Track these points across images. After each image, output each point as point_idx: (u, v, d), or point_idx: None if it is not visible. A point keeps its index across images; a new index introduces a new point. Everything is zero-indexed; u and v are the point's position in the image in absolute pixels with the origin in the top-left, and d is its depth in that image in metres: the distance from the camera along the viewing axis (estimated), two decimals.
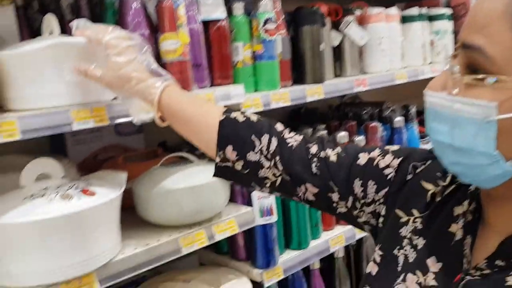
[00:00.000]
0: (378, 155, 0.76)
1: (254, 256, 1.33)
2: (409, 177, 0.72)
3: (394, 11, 1.71)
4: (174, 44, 1.07)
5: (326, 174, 0.77)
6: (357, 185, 0.76)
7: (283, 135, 0.82)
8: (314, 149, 0.80)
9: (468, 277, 0.59)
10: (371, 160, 0.76)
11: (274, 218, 1.28)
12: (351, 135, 1.60)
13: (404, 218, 0.70)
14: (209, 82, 1.21)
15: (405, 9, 1.84)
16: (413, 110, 1.84)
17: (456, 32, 2.00)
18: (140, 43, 0.93)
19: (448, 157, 0.58)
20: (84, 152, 1.42)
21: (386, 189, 0.74)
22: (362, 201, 0.76)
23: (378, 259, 0.71)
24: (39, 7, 1.19)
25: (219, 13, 1.19)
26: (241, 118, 0.83)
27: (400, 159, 0.74)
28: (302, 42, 1.40)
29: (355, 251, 1.71)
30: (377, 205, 0.75)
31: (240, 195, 1.33)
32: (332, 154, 0.78)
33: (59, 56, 0.92)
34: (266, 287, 1.35)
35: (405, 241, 0.68)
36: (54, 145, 1.42)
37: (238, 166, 0.82)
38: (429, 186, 0.69)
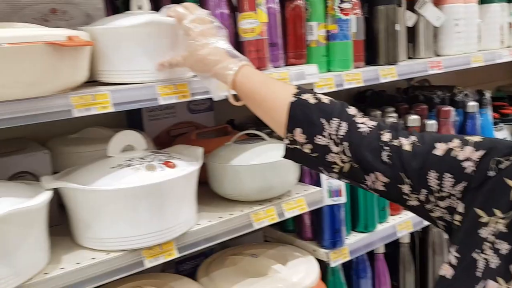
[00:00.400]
0: (457, 146, 0.71)
1: (321, 236, 1.34)
2: (491, 173, 0.67)
3: None
4: (253, 23, 1.09)
5: (397, 163, 0.73)
6: (432, 177, 0.71)
7: (354, 120, 0.80)
8: (386, 136, 0.76)
9: None
10: (449, 150, 0.71)
11: (342, 199, 1.29)
12: (422, 119, 1.56)
13: (485, 218, 0.65)
14: (283, 61, 1.22)
15: None
16: (487, 95, 1.76)
17: None
18: (217, 25, 0.95)
19: None
20: (158, 128, 1.48)
21: (464, 184, 0.69)
22: (437, 194, 0.71)
23: (454, 262, 0.67)
24: None
25: None
26: (312, 100, 0.83)
27: (483, 152, 0.69)
28: (377, 22, 1.38)
29: (421, 238, 1.68)
30: (453, 200, 0.70)
31: (308, 175, 1.34)
32: (406, 143, 0.74)
33: (152, 34, 0.96)
34: (332, 267, 1.36)
35: (486, 244, 0.64)
36: (131, 120, 1.49)
37: (306, 149, 0.82)
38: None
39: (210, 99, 1.55)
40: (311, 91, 0.87)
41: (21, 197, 0.87)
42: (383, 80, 1.35)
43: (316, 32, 1.26)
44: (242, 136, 1.30)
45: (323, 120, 0.80)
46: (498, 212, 0.64)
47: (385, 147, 0.75)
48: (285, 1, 1.20)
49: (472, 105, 1.67)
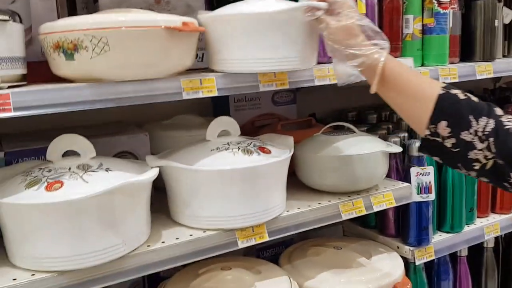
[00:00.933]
0: None
1: (406, 232, 1.32)
2: None
3: None
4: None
5: None
6: None
7: (501, 119, 0.78)
8: None
9: None
10: None
11: (432, 196, 1.26)
12: None
13: None
14: None
15: None
16: None
17: None
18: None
19: None
20: (243, 118, 1.52)
21: None
22: None
23: None
24: None
25: None
26: (461, 96, 0.81)
27: None
28: (474, 17, 1.34)
29: (507, 243, 1.61)
30: None
31: (395, 170, 1.33)
32: None
33: (279, 22, 0.96)
34: (415, 266, 1.34)
35: None
36: (217, 110, 1.54)
37: (448, 143, 0.81)
38: None
39: (294, 91, 1.60)
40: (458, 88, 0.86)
41: (131, 173, 0.93)
42: (479, 77, 1.31)
43: (412, 25, 1.24)
44: (329, 128, 1.31)
45: (471, 117, 0.79)
46: None
47: None
48: None
49: None
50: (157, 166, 0.97)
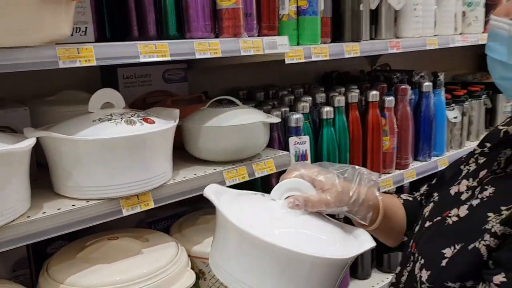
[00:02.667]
0: None
1: None
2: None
3: None
4: None
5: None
6: None
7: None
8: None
9: (491, 176, 0.78)
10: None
11: (308, 162, 1.38)
12: (382, 95, 1.68)
13: (478, 150, 0.87)
14: (256, 31, 1.29)
15: None
16: (441, 77, 1.90)
17: (487, 5, 2.05)
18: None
19: (499, 72, 0.72)
20: (133, 95, 1.53)
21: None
22: None
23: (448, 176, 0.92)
24: None
25: None
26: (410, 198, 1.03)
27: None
28: (343, 1, 1.48)
29: None
30: None
31: (277, 141, 1.44)
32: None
33: None
34: None
35: (472, 160, 0.87)
36: (106, 84, 1.53)
37: None
38: (503, 128, 0.85)
39: (185, 69, 1.64)
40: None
41: (7, 143, 0.92)
42: (347, 55, 1.46)
43: (287, 6, 1.34)
44: (215, 103, 1.37)
45: None
46: (488, 144, 0.86)
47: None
48: None
49: (427, 84, 1.80)
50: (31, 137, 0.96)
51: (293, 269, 0.70)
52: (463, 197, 0.80)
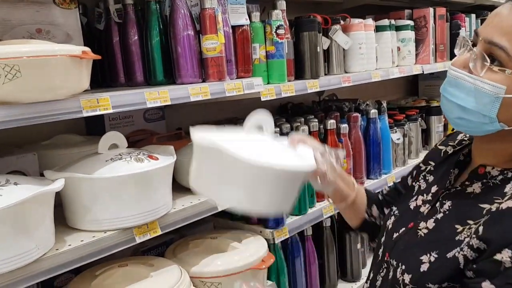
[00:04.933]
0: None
1: (266, 218, 1.62)
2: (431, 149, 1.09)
3: (370, 21, 2.06)
4: (214, 43, 1.36)
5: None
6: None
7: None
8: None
9: (446, 192, 0.92)
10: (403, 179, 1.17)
11: None
12: (337, 123, 1.93)
13: (423, 167, 1.05)
14: (235, 75, 1.49)
15: (377, 20, 2.20)
16: (384, 104, 2.20)
17: (417, 40, 2.39)
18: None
19: (455, 113, 0.84)
20: None
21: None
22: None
23: (403, 192, 1.10)
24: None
25: (244, 19, 1.48)
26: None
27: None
28: (303, 45, 1.72)
29: (338, 222, 2.04)
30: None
31: None
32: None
33: None
34: (275, 245, 1.64)
35: (421, 177, 1.03)
36: (91, 128, 1.66)
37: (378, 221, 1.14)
38: (442, 147, 1.03)
39: (163, 109, 1.80)
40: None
41: (37, 185, 1.04)
42: (309, 91, 1.69)
43: (258, 51, 1.56)
44: None
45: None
46: (432, 163, 1.04)
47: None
48: (235, 26, 1.49)
49: (373, 112, 2.08)
50: (59, 178, 1.09)
51: (266, 179, 0.86)
52: (422, 210, 0.95)
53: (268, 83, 1.61)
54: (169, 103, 1.24)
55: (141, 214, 1.19)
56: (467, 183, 0.89)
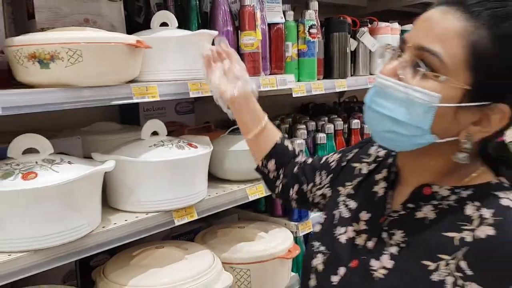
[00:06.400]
0: (332, 155, 1.04)
1: (291, 212, 1.68)
2: (343, 163, 0.97)
3: (396, 25, 2.11)
4: (252, 39, 1.42)
5: (301, 174, 1.05)
6: (317, 175, 1.02)
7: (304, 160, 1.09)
8: (303, 159, 1.10)
9: (389, 218, 0.80)
10: (327, 158, 1.04)
11: None
12: (361, 123, 1.98)
13: (341, 190, 0.93)
14: (269, 71, 1.55)
15: (402, 25, 2.25)
16: None
17: None
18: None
19: (385, 126, 0.74)
20: None
21: (331, 175, 0.99)
22: (318, 186, 1.02)
23: (322, 220, 0.93)
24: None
25: (280, 18, 1.54)
26: (290, 147, 1.11)
27: (340, 154, 1.01)
28: (333, 45, 1.78)
29: None
30: (325, 189, 1.00)
31: None
32: (309, 160, 1.09)
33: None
34: (299, 236, 1.70)
35: (340, 203, 0.90)
36: (125, 117, 1.73)
37: (271, 175, 1.09)
38: (357, 165, 0.94)
39: (193, 102, 1.86)
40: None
41: (88, 165, 1.10)
42: (337, 90, 1.74)
43: (291, 50, 1.62)
44: (232, 131, 1.60)
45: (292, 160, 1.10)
46: (348, 184, 0.92)
47: (300, 165, 1.08)
48: (270, 24, 1.55)
49: None
50: (107, 160, 1.15)
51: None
52: (360, 242, 0.81)
53: (298, 81, 1.67)
54: (209, 94, 1.30)
55: (180, 198, 1.25)
56: (410, 205, 0.78)
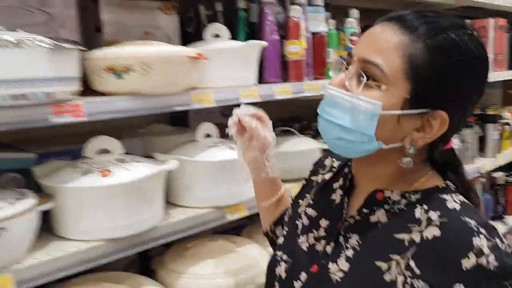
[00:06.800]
0: None
1: None
2: (304, 183, 1.04)
3: None
4: (297, 48, 1.52)
5: None
6: None
7: None
8: None
9: (346, 223, 0.83)
10: None
11: None
12: None
13: (301, 202, 0.98)
14: (312, 77, 1.65)
15: None
16: None
17: None
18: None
19: (334, 134, 0.79)
20: None
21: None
22: None
23: (284, 233, 0.97)
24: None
25: (322, 27, 1.64)
26: None
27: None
28: None
29: None
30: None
31: None
32: None
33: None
34: None
35: (302, 214, 0.94)
36: (175, 119, 1.85)
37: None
38: (314, 178, 1.00)
39: (237, 106, 1.97)
40: None
41: (153, 164, 1.22)
42: None
43: (332, 56, 1.71)
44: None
45: None
46: (308, 195, 0.97)
47: None
48: (314, 33, 1.65)
49: None
50: (168, 160, 1.27)
51: None
52: (320, 248, 0.85)
53: None
54: (259, 100, 1.41)
55: (233, 195, 1.36)
56: (365, 210, 0.82)
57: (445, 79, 0.73)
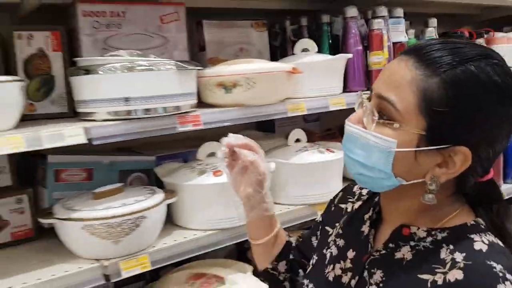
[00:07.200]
0: (320, 215, 1.05)
1: None
2: (332, 208, 1.00)
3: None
4: (380, 58, 1.64)
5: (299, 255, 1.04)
6: (314, 240, 1.02)
7: None
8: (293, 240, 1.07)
9: (371, 257, 0.80)
10: (316, 219, 1.07)
11: None
12: None
13: (330, 231, 0.94)
14: None
15: None
16: None
17: None
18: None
19: (356, 169, 0.78)
20: (284, 132, 2.01)
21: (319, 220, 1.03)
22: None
23: (313, 261, 0.94)
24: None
25: (403, 37, 1.74)
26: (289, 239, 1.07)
27: (327, 204, 1.04)
28: None
29: None
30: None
31: None
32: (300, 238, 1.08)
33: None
34: None
35: (331, 243, 0.91)
36: (261, 124, 2.03)
37: (282, 276, 1.02)
38: (343, 206, 0.96)
39: (319, 113, 2.12)
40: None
41: None
42: None
43: None
44: None
45: None
46: (337, 224, 0.94)
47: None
48: (395, 43, 1.75)
49: None
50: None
51: None
52: (345, 280, 0.83)
53: None
54: (345, 107, 1.55)
55: (322, 195, 1.51)
56: (391, 245, 0.79)
57: (461, 114, 0.69)
